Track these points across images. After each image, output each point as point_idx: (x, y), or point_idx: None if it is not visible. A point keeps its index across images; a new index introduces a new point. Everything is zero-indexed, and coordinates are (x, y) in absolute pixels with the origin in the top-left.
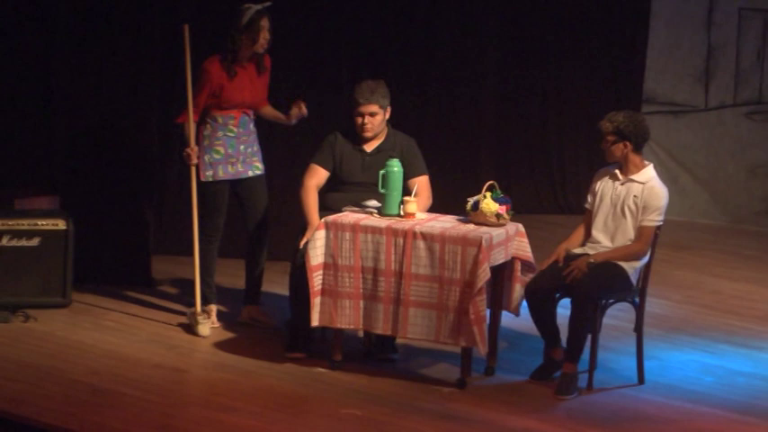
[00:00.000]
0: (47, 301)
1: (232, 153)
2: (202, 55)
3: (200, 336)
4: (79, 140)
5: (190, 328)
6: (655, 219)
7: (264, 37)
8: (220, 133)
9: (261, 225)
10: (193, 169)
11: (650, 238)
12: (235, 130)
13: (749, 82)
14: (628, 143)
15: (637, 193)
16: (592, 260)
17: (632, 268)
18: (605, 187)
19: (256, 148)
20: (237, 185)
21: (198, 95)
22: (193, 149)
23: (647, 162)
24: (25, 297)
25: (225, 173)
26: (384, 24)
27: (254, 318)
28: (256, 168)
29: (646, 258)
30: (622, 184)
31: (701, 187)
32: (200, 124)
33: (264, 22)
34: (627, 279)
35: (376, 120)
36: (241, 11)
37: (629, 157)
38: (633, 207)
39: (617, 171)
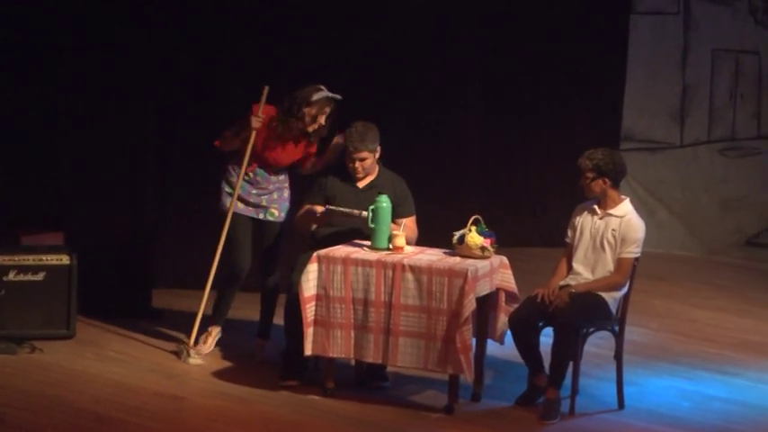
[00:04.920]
0: (52, 333)
1: (241, 194)
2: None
3: (189, 363)
4: (82, 180)
5: (180, 356)
6: (633, 251)
7: (320, 122)
8: (238, 172)
9: (267, 264)
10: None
11: (629, 270)
12: (250, 175)
13: (722, 120)
14: (607, 179)
15: (615, 227)
16: (573, 290)
17: (612, 298)
18: (584, 222)
19: (276, 196)
20: (256, 223)
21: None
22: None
23: (623, 196)
24: (31, 329)
25: (235, 207)
26: (371, 63)
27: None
28: (270, 215)
29: (625, 289)
30: (601, 218)
31: (677, 220)
32: (229, 162)
33: (328, 109)
34: (607, 308)
35: (366, 163)
36: (313, 87)
37: (608, 192)
38: (612, 240)
39: (595, 206)
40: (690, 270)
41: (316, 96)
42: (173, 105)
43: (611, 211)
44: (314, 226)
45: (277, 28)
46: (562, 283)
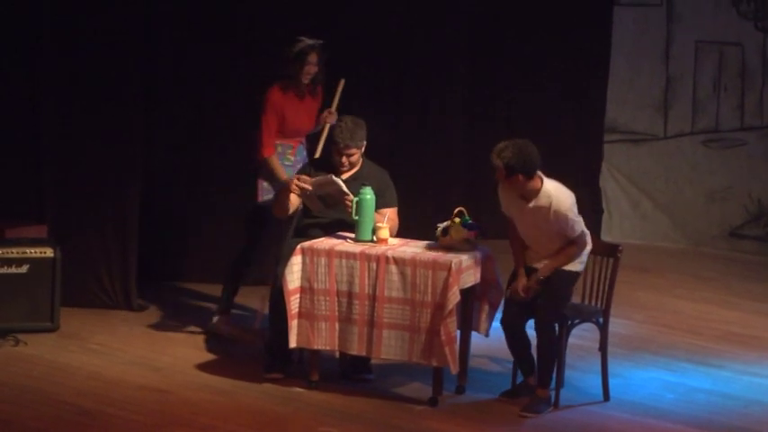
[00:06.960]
0: (36, 326)
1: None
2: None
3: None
4: (66, 173)
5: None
6: (576, 228)
7: (309, 71)
8: (279, 162)
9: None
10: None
11: (583, 237)
12: (291, 158)
13: (706, 111)
14: (520, 175)
15: (546, 215)
16: (541, 276)
17: (580, 263)
18: (516, 212)
19: None
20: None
21: (268, 124)
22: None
23: (538, 175)
24: (15, 322)
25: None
26: (355, 55)
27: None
28: None
29: (589, 246)
30: (531, 207)
31: (661, 212)
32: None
33: (312, 57)
34: (577, 276)
35: (353, 158)
36: (294, 42)
37: (525, 185)
38: (549, 222)
39: (520, 199)
40: (674, 262)
41: (296, 48)
42: (159, 99)
43: (535, 202)
44: (291, 208)
45: (262, 20)
46: (527, 265)
